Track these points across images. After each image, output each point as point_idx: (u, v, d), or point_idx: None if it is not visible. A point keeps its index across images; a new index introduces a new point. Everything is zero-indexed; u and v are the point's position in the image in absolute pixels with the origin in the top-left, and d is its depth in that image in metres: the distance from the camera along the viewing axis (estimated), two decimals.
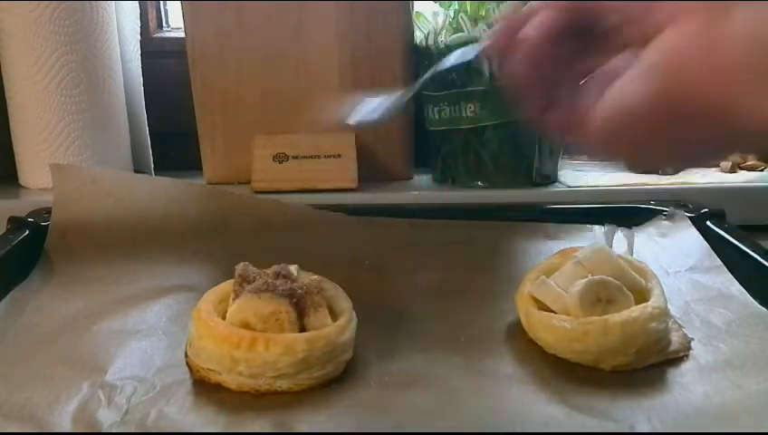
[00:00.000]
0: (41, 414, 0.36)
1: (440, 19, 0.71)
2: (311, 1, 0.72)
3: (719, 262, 0.53)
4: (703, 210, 0.61)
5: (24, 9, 0.69)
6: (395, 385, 0.39)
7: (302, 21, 0.73)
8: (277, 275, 0.43)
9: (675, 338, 0.43)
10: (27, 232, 0.56)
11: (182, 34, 0.74)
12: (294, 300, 0.41)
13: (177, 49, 0.80)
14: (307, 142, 0.74)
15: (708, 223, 0.59)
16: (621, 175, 0.77)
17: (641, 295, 0.44)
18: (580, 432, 0.35)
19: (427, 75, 0.46)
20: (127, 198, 0.59)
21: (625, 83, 0.32)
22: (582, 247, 0.47)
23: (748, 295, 0.49)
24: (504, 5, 0.68)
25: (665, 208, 0.62)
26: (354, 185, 0.73)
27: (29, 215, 0.59)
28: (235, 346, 0.38)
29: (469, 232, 0.60)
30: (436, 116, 0.74)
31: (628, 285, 0.44)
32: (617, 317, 0.41)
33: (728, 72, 0.29)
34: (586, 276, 0.43)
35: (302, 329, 0.40)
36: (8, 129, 0.75)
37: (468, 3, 0.69)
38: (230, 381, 0.39)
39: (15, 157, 0.75)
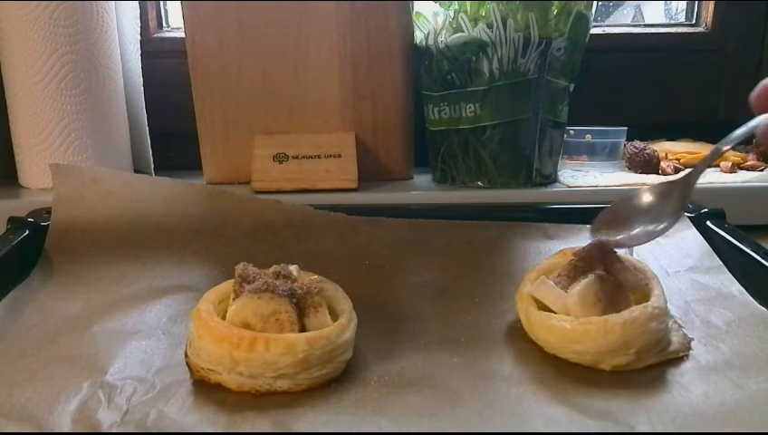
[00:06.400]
0: (41, 414, 0.36)
1: (440, 19, 0.71)
2: (311, 1, 0.72)
3: (719, 262, 0.53)
4: (703, 210, 0.61)
5: (24, 9, 0.69)
6: (395, 385, 0.39)
7: (301, 21, 0.73)
8: (277, 275, 0.43)
9: (675, 338, 0.43)
10: (27, 232, 0.56)
11: (182, 34, 0.74)
12: (294, 300, 0.41)
13: (177, 49, 0.80)
14: (307, 142, 0.74)
15: (708, 223, 0.59)
16: (621, 175, 0.77)
17: (641, 295, 0.44)
18: (580, 432, 0.35)
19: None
20: (127, 197, 0.59)
21: None
22: (582, 247, 0.47)
23: (748, 295, 0.49)
24: (503, 5, 0.68)
25: None
26: (354, 185, 0.73)
27: (29, 215, 0.59)
28: (235, 346, 0.38)
29: (469, 232, 0.60)
30: (436, 116, 0.74)
31: (629, 285, 0.44)
32: (617, 317, 0.41)
33: None
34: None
35: (302, 329, 0.40)
36: (8, 129, 0.75)
37: (468, 3, 0.69)
38: (230, 381, 0.39)
39: (15, 157, 0.75)
